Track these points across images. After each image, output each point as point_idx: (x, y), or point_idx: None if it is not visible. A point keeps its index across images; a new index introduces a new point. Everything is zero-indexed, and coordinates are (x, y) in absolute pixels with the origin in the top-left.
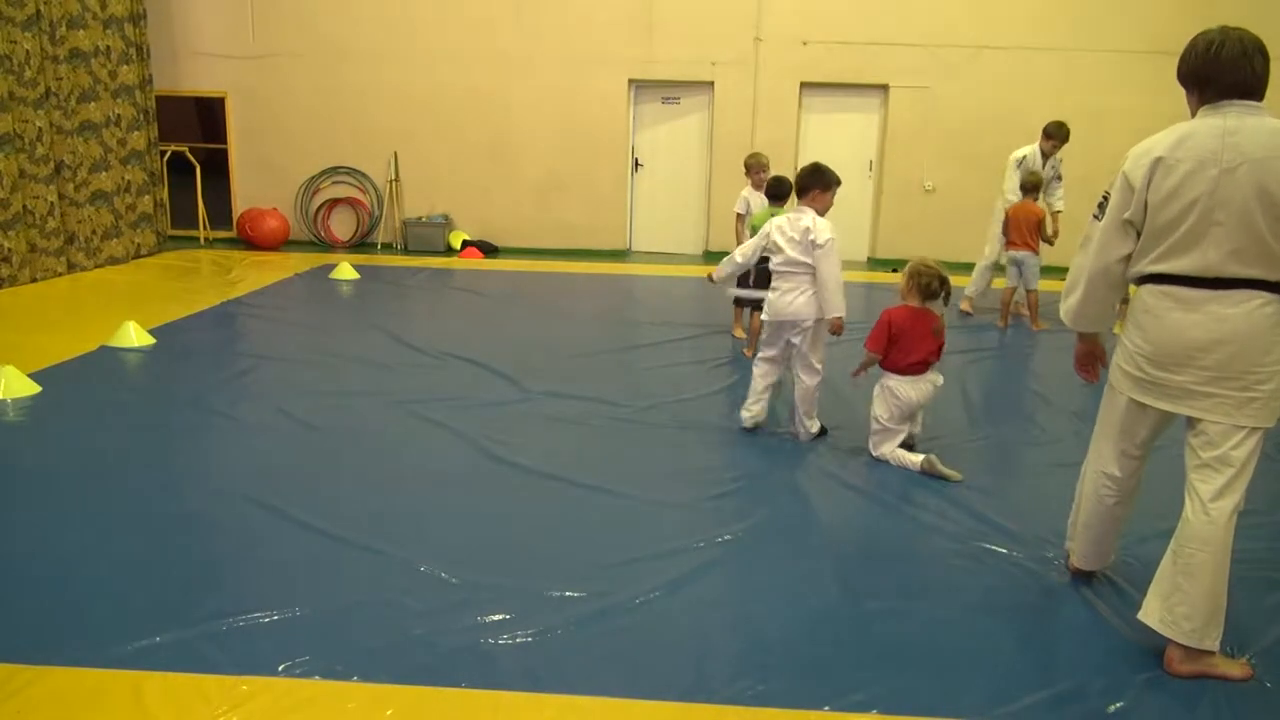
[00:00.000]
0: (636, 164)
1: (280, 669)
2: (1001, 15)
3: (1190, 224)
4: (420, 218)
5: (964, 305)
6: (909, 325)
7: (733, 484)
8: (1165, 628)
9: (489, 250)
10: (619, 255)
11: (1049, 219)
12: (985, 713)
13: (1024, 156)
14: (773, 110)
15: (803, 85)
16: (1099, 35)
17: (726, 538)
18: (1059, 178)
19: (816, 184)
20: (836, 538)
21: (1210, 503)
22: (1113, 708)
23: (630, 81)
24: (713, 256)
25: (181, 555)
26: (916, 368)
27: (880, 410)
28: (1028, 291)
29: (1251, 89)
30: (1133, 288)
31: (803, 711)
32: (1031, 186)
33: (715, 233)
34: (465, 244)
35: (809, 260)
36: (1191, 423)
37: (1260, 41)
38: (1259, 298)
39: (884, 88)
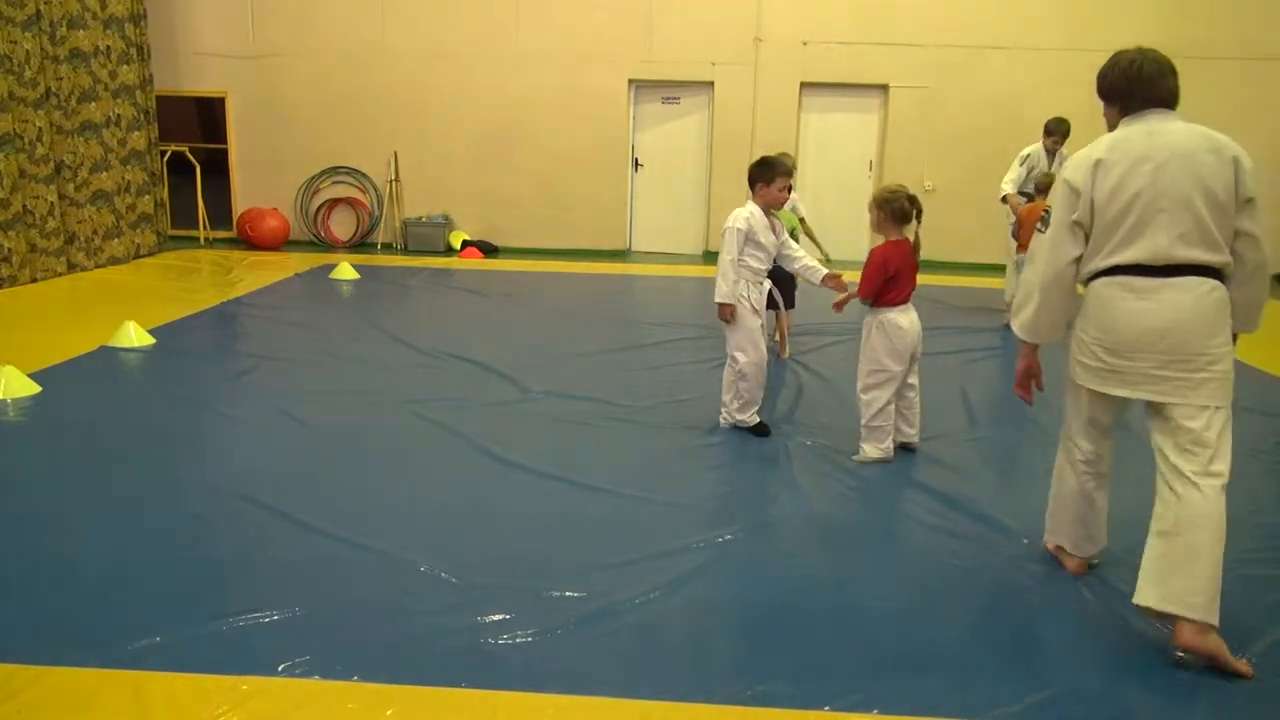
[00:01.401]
0: (636, 164)
1: (280, 669)
2: (1001, 15)
3: (1137, 214)
4: (420, 218)
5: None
6: (901, 261)
7: (733, 484)
8: (1168, 604)
9: (489, 250)
10: (619, 255)
11: None
12: (986, 713)
13: (1028, 154)
14: (773, 110)
15: (803, 85)
16: (1099, 35)
17: (727, 538)
18: None
19: (760, 177)
20: (836, 537)
21: (1200, 480)
22: (1114, 707)
23: (630, 81)
24: (712, 256)
25: (181, 555)
26: (906, 297)
27: (880, 349)
28: None
29: (1167, 101)
30: (1080, 287)
31: (803, 711)
32: (1044, 187)
33: (715, 233)
34: (465, 244)
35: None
36: (1155, 410)
37: (1170, 62)
38: (1206, 284)
39: (884, 88)
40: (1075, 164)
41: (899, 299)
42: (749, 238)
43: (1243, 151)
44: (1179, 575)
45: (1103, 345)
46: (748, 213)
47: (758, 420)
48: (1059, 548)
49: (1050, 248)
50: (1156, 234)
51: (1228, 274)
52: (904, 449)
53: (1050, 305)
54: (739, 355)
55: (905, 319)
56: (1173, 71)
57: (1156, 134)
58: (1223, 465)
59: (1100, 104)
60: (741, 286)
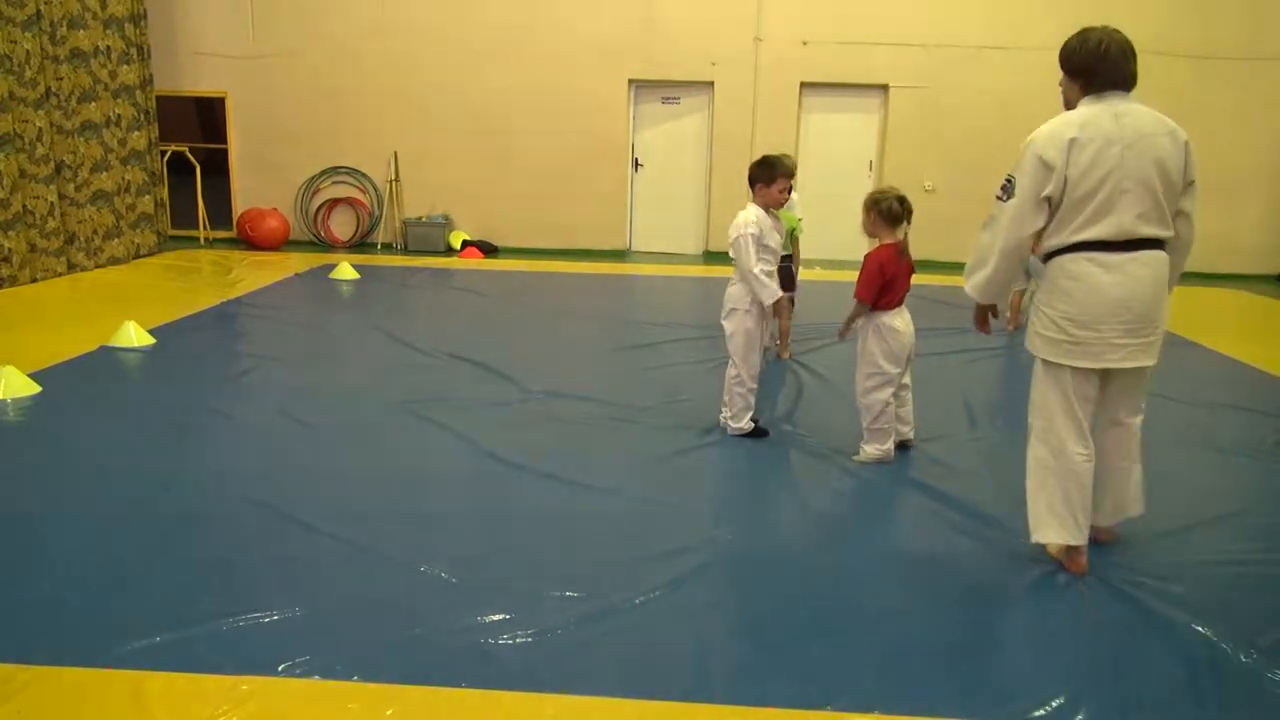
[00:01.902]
0: (636, 164)
1: (280, 669)
2: (1001, 15)
3: (1105, 193)
4: (420, 218)
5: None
6: (896, 264)
7: (732, 484)
8: (1106, 518)
9: (489, 250)
10: (619, 255)
11: None
12: (987, 712)
13: None
14: (773, 110)
15: (803, 85)
16: None
17: (726, 538)
18: None
19: (760, 177)
20: (836, 537)
21: (1134, 421)
22: (1115, 706)
23: (630, 81)
24: (712, 256)
25: (182, 555)
26: (901, 300)
27: (878, 353)
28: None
29: (1128, 84)
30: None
31: (803, 711)
32: None
33: (715, 233)
34: (465, 244)
35: (731, 253)
36: (1104, 379)
37: (1132, 45)
38: (1159, 257)
39: (884, 88)
40: (1048, 140)
41: (894, 302)
42: (759, 241)
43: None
44: (1127, 495)
45: (1070, 319)
46: (754, 215)
47: (754, 423)
48: (1064, 549)
49: (1016, 218)
50: (1122, 213)
51: (1169, 247)
52: (902, 447)
53: (1006, 271)
54: (743, 359)
55: (900, 321)
56: (1134, 55)
57: (1121, 115)
58: (1144, 403)
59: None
60: (745, 288)
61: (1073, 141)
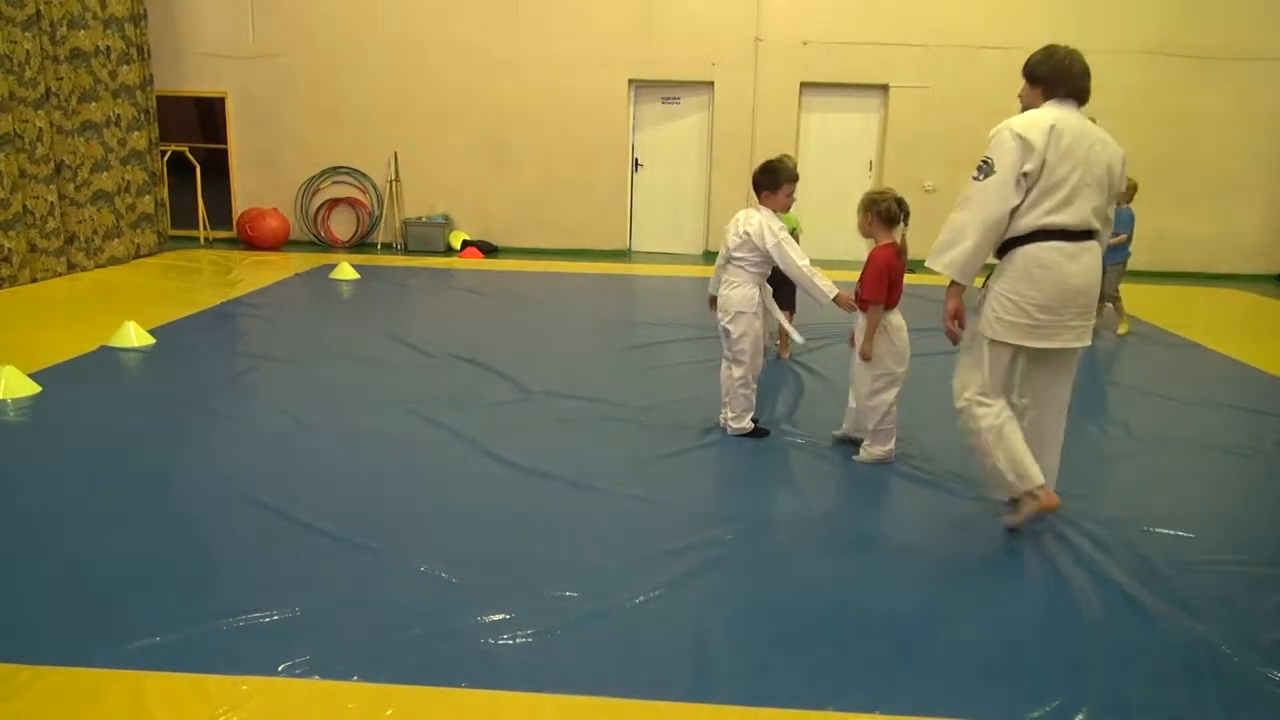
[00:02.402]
0: (636, 164)
1: (280, 669)
2: (1001, 15)
3: (1074, 183)
4: (420, 218)
5: None
6: (896, 264)
7: (732, 483)
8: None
9: (489, 250)
10: (619, 255)
11: None
12: (987, 712)
13: None
14: (773, 110)
15: (803, 85)
16: (1099, 35)
17: (727, 538)
18: None
19: (765, 184)
20: (836, 536)
21: (1065, 407)
22: (1115, 706)
23: (630, 81)
24: (712, 256)
25: (181, 555)
26: (898, 299)
27: (884, 352)
28: None
29: (1083, 97)
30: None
31: (803, 711)
32: None
33: (715, 233)
34: (465, 244)
35: (742, 255)
36: (1044, 360)
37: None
38: (1097, 248)
39: (884, 88)
40: (1029, 124)
41: (894, 302)
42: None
43: None
44: (1049, 478)
45: (1037, 304)
46: (778, 222)
47: (755, 423)
48: (1029, 494)
49: (996, 194)
50: (1082, 204)
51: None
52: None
53: (984, 247)
54: (747, 360)
55: (899, 319)
56: (1090, 75)
57: (1083, 119)
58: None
59: (1104, 106)
60: (752, 290)
61: (1052, 128)
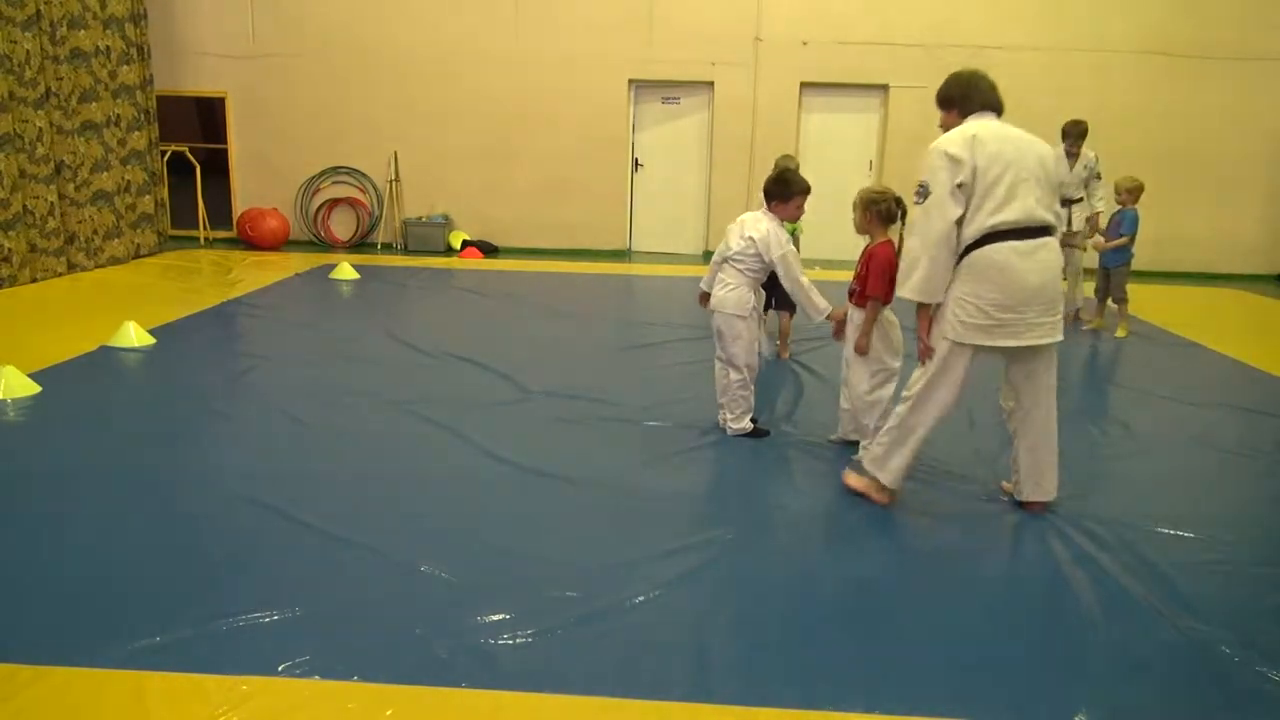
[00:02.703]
0: (636, 164)
1: (280, 669)
2: (1001, 15)
3: (1009, 181)
4: (420, 218)
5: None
6: (895, 260)
7: (732, 483)
8: (1044, 495)
9: (489, 250)
10: (619, 255)
11: (1074, 216)
12: (987, 713)
13: None
14: (773, 110)
15: (803, 85)
16: (1099, 35)
17: (727, 538)
18: (1098, 176)
19: (776, 194)
20: (836, 536)
21: (1048, 397)
22: (1115, 706)
23: (630, 81)
24: (712, 257)
25: (181, 555)
26: (892, 296)
27: (881, 348)
28: None
29: (999, 108)
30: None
31: (803, 711)
32: None
33: (715, 233)
34: (465, 244)
35: (742, 259)
36: (1020, 353)
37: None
38: (1054, 241)
39: (884, 88)
40: (952, 140)
41: (891, 297)
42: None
43: None
44: (1048, 475)
45: (996, 304)
46: (785, 232)
47: (754, 423)
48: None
49: (937, 212)
50: (1024, 197)
51: None
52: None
53: (939, 263)
54: (744, 363)
55: (892, 315)
56: (997, 87)
57: (1004, 126)
58: (1055, 379)
59: (1104, 106)
60: (747, 294)
61: (974, 137)
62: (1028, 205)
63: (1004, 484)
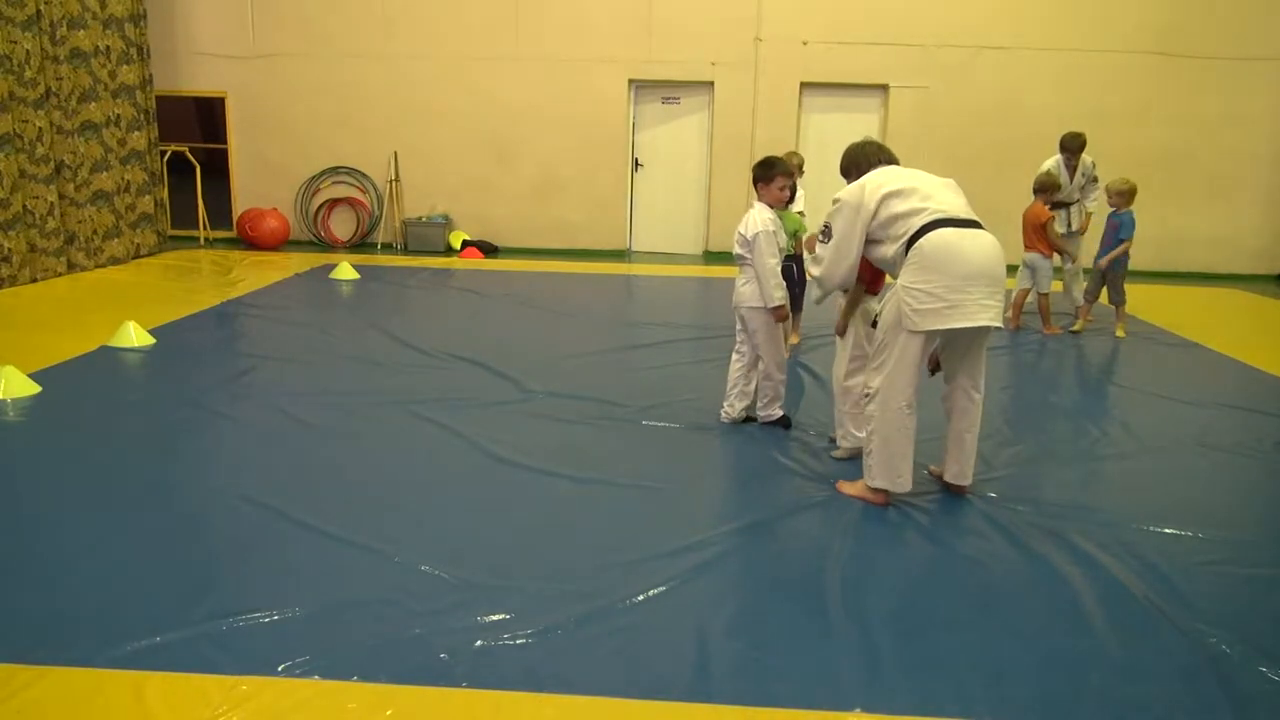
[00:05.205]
0: (636, 164)
1: (280, 669)
2: (1001, 15)
3: (922, 190)
4: (420, 218)
5: (1077, 324)
6: None
7: (733, 483)
8: (967, 479)
9: (489, 250)
10: (619, 255)
11: (1073, 218)
12: (987, 713)
13: (1048, 169)
14: (773, 110)
15: (803, 85)
16: (1099, 35)
17: (727, 538)
18: (1094, 180)
19: (760, 176)
20: (836, 535)
21: (981, 386)
22: (1115, 707)
23: (630, 81)
24: (712, 257)
25: (181, 555)
26: (880, 288)
27: (864, 335)
28: (1039, 294)
29: (893, 159)
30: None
31: (803, 711)
32: (1039, 188)
33: (715, 233)
34: (465, 244)
35: (744, 252)
36: (963, 339)
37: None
38: (990, 235)
39: (884, 88)
40: (850, 190)
41: (877, 289)
42: (773, 239)
43: None
44: (970, 459)
45: (946, 286)
46: (769, 215)
47: (782, 413)
48: (882, 489)
49: (840, 249)
50: (943, 200)
51: None
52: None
53: (838, 277)
54: (770, 355)
55: (875, 305)
56: (887, 148)
57: (900, 168)
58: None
59: (1104, 106)
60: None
61: (867, 178)
62: (953, 202)
63: (932, 467)
